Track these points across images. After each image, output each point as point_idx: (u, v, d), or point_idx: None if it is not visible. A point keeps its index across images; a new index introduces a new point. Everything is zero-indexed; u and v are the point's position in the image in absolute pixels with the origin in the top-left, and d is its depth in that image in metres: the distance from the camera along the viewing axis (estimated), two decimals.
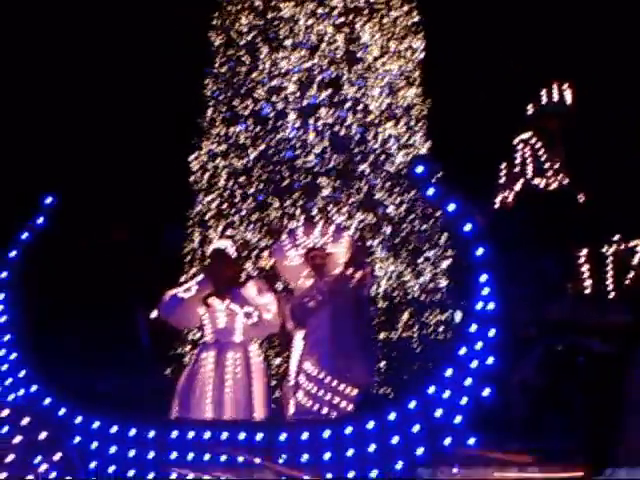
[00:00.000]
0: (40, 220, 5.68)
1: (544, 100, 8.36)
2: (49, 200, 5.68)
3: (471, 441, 4.77)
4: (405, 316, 9.89)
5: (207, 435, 5.10)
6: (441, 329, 9.94)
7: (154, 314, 6.62)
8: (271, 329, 6.53)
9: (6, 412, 5.17)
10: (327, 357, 6.15)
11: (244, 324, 6.35)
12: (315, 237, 6.48)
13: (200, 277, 6.62)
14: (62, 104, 12.49)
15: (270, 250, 6.66)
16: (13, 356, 5.55)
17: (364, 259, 6.35)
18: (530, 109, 8.47)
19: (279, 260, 6.70)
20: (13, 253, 5.69)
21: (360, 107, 10.23)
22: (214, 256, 6.62)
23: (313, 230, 6.53)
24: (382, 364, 9.12)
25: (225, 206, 10.08)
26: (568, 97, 8.31)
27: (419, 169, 5.02)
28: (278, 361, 9.41)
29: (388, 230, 10.11)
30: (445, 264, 10.37)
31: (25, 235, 5.68)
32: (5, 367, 5.53)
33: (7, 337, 5.58)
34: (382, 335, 9.61)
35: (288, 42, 10.29)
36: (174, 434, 5.15)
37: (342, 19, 10.33)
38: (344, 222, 9.68)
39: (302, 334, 6.36)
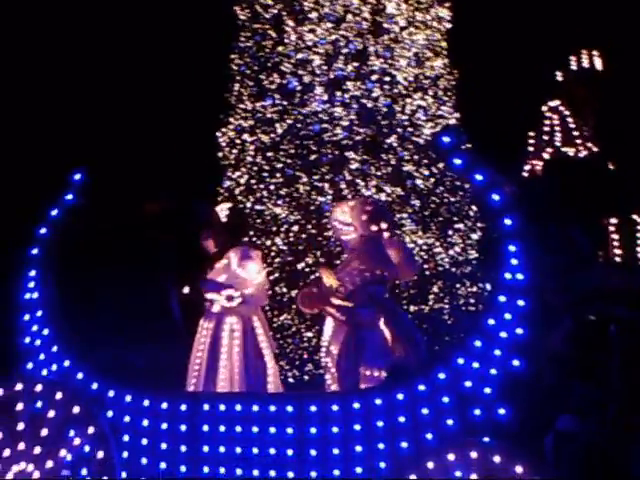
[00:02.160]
0: (70, 197, 5.73)
1: (573, 67, 8.23)
2: (78, 176, 5.73)
3: (501, 412, 4.76)
4: (436, 288, 9.87)
5: (238, 408, 5.15)
6: (472, 301, 9.92)
7: (187, 289, 6.63)
8: (259, 302, 6.45)
9: (40, 387, 5.24)
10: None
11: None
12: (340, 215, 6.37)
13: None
14: (93, 81, 12.55)
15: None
16: (45, 332, 5.63)
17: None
18: (559, 76, 8.32)
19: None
20: (43, 230, 5.75)
21: (387, 79, 10.16)
22: (213, 222, 6.56)
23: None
24: None
25: (254, 181, 10.08)
26: (598, 64, 8.17)
27: (446, 139, 4.99)
28: (309, 334, 9.44)
29: (417, 203, 10.06)
30: (475, 236, 10.32)
31: (55, 212, 5.73)
32: (38, 342, 5.61)
33: (39, 313, 5.66)
34: (413, 308, 9.60)
35: (313, 15, 10.21)
36: (205, 407, 5.21)
37: None
38: (373, 195, 9.65)
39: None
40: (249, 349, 6.28)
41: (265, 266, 6.72)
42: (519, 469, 4.48)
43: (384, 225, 6.05)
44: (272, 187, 9.97)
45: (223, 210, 6.69)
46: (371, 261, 5.99)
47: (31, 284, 5.71)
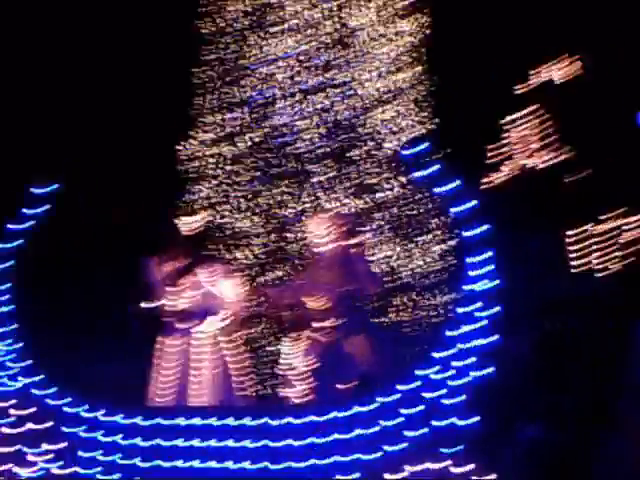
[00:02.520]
0: (41, 209, 5.64)
1: (540, 77, 8.32)
2: (50, 189, 5.64)
3: (464, 422, 4.77)
4: (398, 301, 9.87)
5: (214, 421, 5.09)
6: (434, 313, 9.93)
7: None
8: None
9: (11, 402, 5.17)
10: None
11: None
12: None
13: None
14: (58, 92, 12.42)
15: None
16: (18, 346, 5.53)
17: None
18: (522, 88, 8.42)
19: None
20: (16, 243, 5.65)
21: (351, 91, 10.17)
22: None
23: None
24: None
25: (216, 194, 10.03)
26: (560, 76, 8.28)
27: (411, 151, 5.00)
28: (273, 348, 9.38)
29: (381, 215, 10.07)
30: (439, 248, 10.34)
31: (27, 224, 5.64)
32: (10, 357, 5.51)
33: (13, 326, 5.57)
34: (375, 320, 9.57)
35: (277, 28, 10.20)
36: (180, 421, 5.14)
37: (332, 3, 10.23)
38: (336, 208, 9.64)
39: None
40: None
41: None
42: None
43: (357, 240, 6.11)
44: (234, 200, 9.92)
45: (186, 223, 6.67)
46: (346, 276, 6.04)
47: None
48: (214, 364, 6.24)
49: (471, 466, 4.55)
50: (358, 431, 4.81)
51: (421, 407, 4.76)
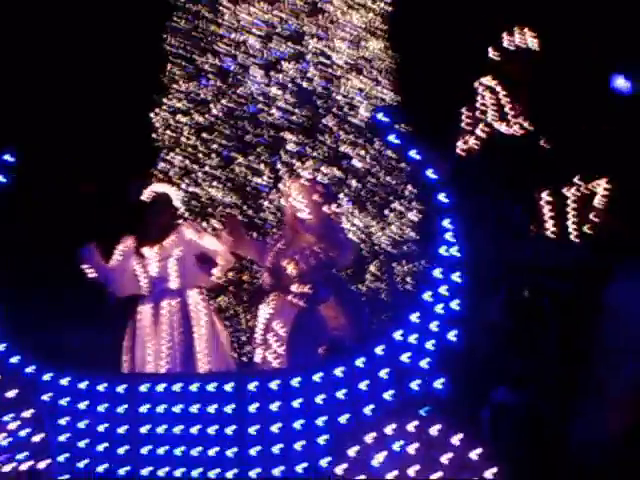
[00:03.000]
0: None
1: (506, 44, 8.32)
2: (7, 156, 5.59)
3: (438, 384, 4.84)
4: (373, 268, 9.94)
5: (177, 386, 5.13)
6: (409, 279, 10.02)
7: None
8: (225, 267, 6.46)
9: None
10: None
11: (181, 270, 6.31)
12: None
13: (122, 244, 6.53)
14: (24, 61, 12.26)
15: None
16: None
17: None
18: (492, 53, 8.42)
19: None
20: None
21: (324, 60, 10.14)
22: (152, 201, 6.49)
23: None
24: None
25: (188, 163, 9.99)
26: (530, 41, 8.28)
27: (381, 116, 5.02)
28: (248, 316, 9.43)
29: (354, 183, 10.10)
30: (411, 215, 10.40)
31: None
32: None
33: None
34: (351, 287, 9.64)
35: None
36: (144, 387, 5.17)
37: None
38: (309, 175, 9.64)
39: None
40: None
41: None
42: (456, 439, 4.57)
43: (334, 207, 6.13)
44: (208, 169, 9.90)
45: (172, 192, 6.67)
46: (327, 243, 6.06)
47: None
48: (188, 327, 6.24)
49: (445, 426, 4.61)
50: (332, 394, 4.88)
51: (395, 369, 4.83)
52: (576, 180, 7.14)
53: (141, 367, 6.17)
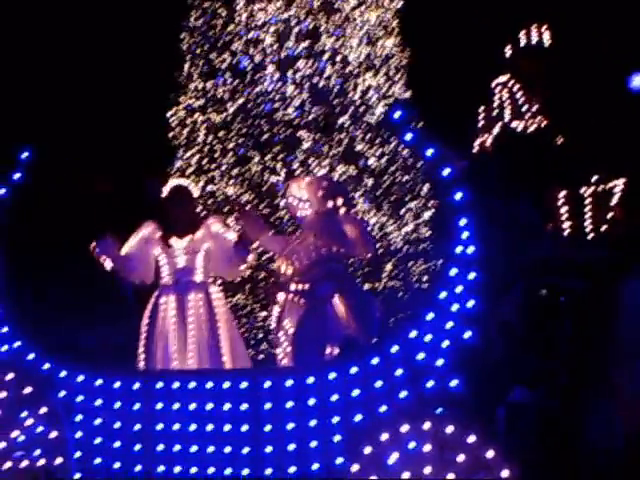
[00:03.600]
0: (17, 175, 5.62)
1: (522, 42, 8.29)
2: (25, 155, 5.62)
3: (454, 383, 4.82)
4: (389, 266, 9.94)
5: (192, 385, 5.14)
6: (425, 278, 10.01)
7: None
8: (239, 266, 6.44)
9: None
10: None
11: (207, 263, 6.32)
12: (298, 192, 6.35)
13: (145, 228, 6.49)
14: (42, 58, 12.31)
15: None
16: None
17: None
18: (508, 51, 8.38)
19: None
20: None
21: (339, 58, 10.14)
22: (175, 194, 6.47)
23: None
24: None
25: (205, 161, 10.02)
26: (546, 39, 8.24)
27: (397, 114, 5.00)
28: (264, 314, 9.45)
29: (370, 182, 10.09)
30: (427, 214, 10.40)
31: (2, 191, 5.63)
32: None
33: None
34: (367, 285, 9.65)
35: None
36: (159, 385, 5.19)
37: None
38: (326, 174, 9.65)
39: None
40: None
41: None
42: (472, 439, 4.55)
43: (340, 201, 6.04)
44: (224, 167, 9.92)
45: (190, 185, 6.68)
46: (327, 237, 5.98)
47: None
48: (213, 321, 6.22)
49: (460, 426, 4.58)
50: (347, 393, 4.87)
51: (410, 369, 4.82)
52: (593, 179, 7.09)
53: (163, 361, 6.15)
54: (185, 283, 6.29)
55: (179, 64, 10.50)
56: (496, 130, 7.90)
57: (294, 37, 10.04)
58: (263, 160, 9.83)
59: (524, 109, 7.97)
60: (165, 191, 6.54)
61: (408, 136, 4.94)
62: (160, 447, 5.11)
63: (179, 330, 6.21)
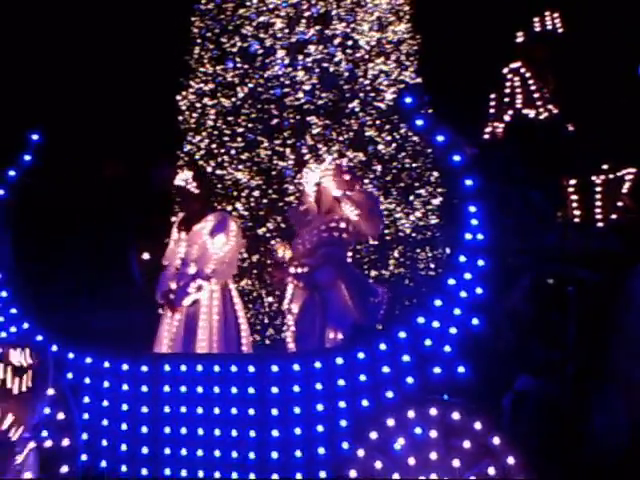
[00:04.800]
0: (27, 157, 5.64)
1: (535, 28, 8.22)
2: (36, 137, 5.63)
3: (460, 370, 4.82)
4: (396, 253, 9.93)
5: (199, 368, 5.15)
6: (432, 265, 10.00)
7: (147, 255, 6.63)
8: (227, 274, 6.53)
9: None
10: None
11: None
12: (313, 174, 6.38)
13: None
14: (54, 42, 12.31)
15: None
16: (4, 294, 5.57)
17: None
18: (520, 37, 8.32)
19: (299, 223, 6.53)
20: (0, 192, 5.67)
21: (349, 43, 10.10)
22: (177, 193, 6.67)
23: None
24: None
25: (214, 146, 10.01)
26: (559, 26, 8.18)
27: (407, 100, 4.98)
28: (270, 299, 9.47)
29: (379, 168, 10.07)
30: (436, 201, 10.38)
31: (12, 173, 5.65)
32: None
33: None
34: (374, 272, 9.65)
35: None
36: (166, 368, 5.21)
37: None
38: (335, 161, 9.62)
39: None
40: (228, 317, 6.36)
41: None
42: (478, 426, 4.56)
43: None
44: (233, 152, 9.91)
45: (187, 177, 6.69)
46: (367, 215, 6.08)
47: None
48: (216, 312, 6.29)
49: (466, 412, 4.59)
50: (354, 378, 4.88)
51: (417, 355, 4.82)
52: (604, 167, 7.05)
53: (175, 347, 6.24)
54: (182, 274, 6.42)
55: (189, 48, 10.48)
56: (507, 117, 7.85)
57: (305, 21, 10.00)
58: (272, 145, 9.81)
59: (536, 96, 7.91)
60: (174, 184, 6.66)
61: (419, 122, 4.92)
62: (167, 430, 5.14)
63: (184, 318, 6.32)
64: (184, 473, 5.08)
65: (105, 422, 5.25)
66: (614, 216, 6.94)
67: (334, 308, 5.90)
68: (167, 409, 5.15)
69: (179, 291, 6.37)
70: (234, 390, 5.06)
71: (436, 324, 4.87)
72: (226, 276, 6.50)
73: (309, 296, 5.97)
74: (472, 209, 4.85)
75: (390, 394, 4.85)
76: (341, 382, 4.93)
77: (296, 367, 5.01)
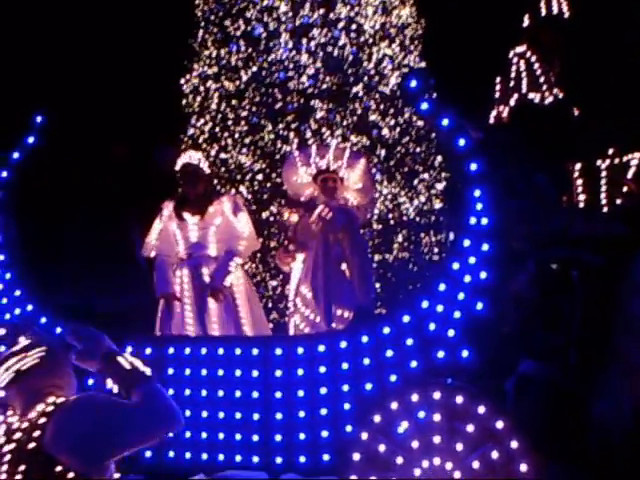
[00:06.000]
0: (31, 139, 5.63)
1: (542, 12, 8.19)
2: (40, 119, 5.62)
3: (464, 354, 4.82)
4: (400, 238, 9.92)
5: (204, 351, 5.16)
6: (436, 250, 10.00)
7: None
8: (248, 252, 6.54)
9: (2, 331, 5.19)
10: (321, 282, 6.15)
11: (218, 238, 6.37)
12: (329, 159, 6.39)
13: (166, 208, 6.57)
14: (59, 25, 12.26)
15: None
16: (8, 276, 5.58)
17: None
18: (527, 21, 8.29)
19: (287, 172, 6.59)
20: (4, 173, 5.67)
21: (354, 27, 10.06)
22: (185, 173, 6.53)
23: (326, 152, 6.42)
24: (377, 285, 9.14)
25: (218, 129, 9.99)
26: (565, 9, 8.14)
27: (412, 83, 4.95)
28: (274, 283, 9.47)
29: (382, 152, 10.05)
30: (440, 186, 10.36)
31: (16, 155, 5.64)
32: (0, 286, 5.57)
33: (1, 257, 5.61)
34: (377, 257, 9.65)
35: None
36: (170, 351, 5.21)
37: None
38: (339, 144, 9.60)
39: (302, 257, 6.35)
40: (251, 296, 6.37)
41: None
42: (481, 409, 4.55)
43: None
44: (237, 135, 9.89)
45: (199, 157, 6.68)
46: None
47: None
48: (223, 295, 6.27)
49: (470, 396, 4.58)
50: (358, 361, 4.88)
51: (421, 339, 4.81)
52: (609, 151, 7.04)
53: (179, 328, 6.22)
54: (198, 257, 6.35)
55: (193, 31, 10.44)
56: (513, 101, 7.82)
57: (309, 5, 9.95)
58: (276, 129, 9.79)
59: (541, 80, 7.88)
60: (177, 164, 6.59)
61: (424, 105, 4.90)
62: None
63: (196, 301, 6.27)
64: (188, 455, 5.10)
65: None
66: (619, 201, 6.93)
67: (347, 285, 5.98)
68: (171, 391, 5.16)
69: (216, 273, 6.27)
70: (238, 373, 5.06)
71: (440, 308, 4.87)
72: (249, 253, 6.54)
73: (324, 278, 6.06)
74: (477, 193, 4.83)
75: (394, 378, 4.85)
76: (345, 365, 4.94)
77: (300, 350, 5.01)
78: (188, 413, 5.11)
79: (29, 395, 3.07)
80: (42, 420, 2.93)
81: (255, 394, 5.02)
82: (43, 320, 5.43)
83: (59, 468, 2.81)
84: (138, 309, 6.34)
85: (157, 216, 6.58)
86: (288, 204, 6.44)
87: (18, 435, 2.93)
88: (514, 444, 4.48)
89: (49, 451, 2.84)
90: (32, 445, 2.85)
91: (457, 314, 4.85)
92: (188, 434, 5.09)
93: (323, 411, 4.91)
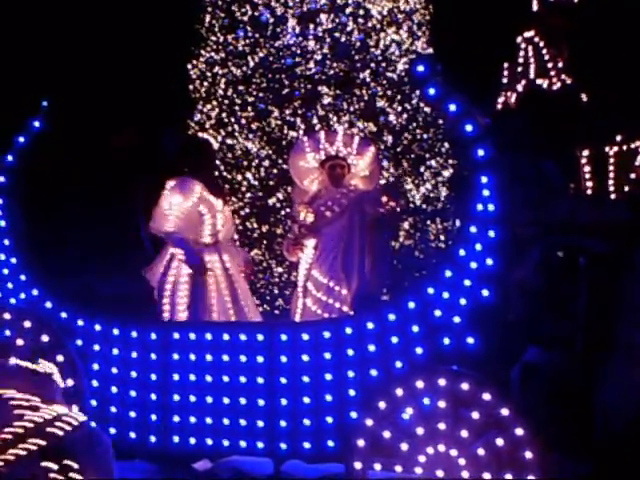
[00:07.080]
0: (36, 124, 5.63)
1: None
2: (45, 103, 5.61)
3: (470, 341, 4.81)
4: (406, 225, 9.90)
5: (209, 336, 5.15)
6: (442, 237, 9.97)
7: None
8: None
9: (8, 316, 5.20)
10: (336, 269, 6.15)
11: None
12: (338, 146, 6.35)
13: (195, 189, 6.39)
14: (66, 11, 12.24)
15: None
16: (13, 260, 5.58)
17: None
18: (535, 6, 8.23)
19: (295, 157, 6.52)
20: (9, 158, 5.66)
21: (361, 12, 10.00)
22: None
23: (335, 138, 6.37)
24: None
25: (224, 115, 9.96)
26: None
27: (420, 68, 4.92)
28: (280, 270, 9.46)
29: (389, 139, 10.01)
30: (446, 173, 10.32)
31: (21, 139, 5.64)
32: (6, 271, 5.57)
33: (7, 242, 5.61)
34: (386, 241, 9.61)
35: None
36: (176, 335, 5.21)
37: None
38: (346, 130, 9.57)
39: (313, 242, 6.32)
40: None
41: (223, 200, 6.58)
42: (487, 396, 4.54)
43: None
44: (243, 121, 9.86)
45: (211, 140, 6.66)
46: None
47: None
48: (224, 280, 6.23)
49: (475, 383, 4.57)
50: (364, 347, 4.87)
51: (427, 325, 4.80)
52: (617, 138, 6.99)
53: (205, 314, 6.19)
54: (217, 243, 6.30)
55: (200, 16, 10.39)
56: (521, 87, 7.77)
57: None
58: (283, 115, 9.75)
59: (549, 66, 7.83)
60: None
61: (431, 90, 4.86)
62: (176, 397, 5.15)
63: (227, 287, 6.27)
64: (192, 441, 5.11)
65: (114, 389, 5.27)
66: (627, 188, 6.89)
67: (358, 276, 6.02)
68: (176, 377, 5.16)
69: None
70: (243, 358, 5.06)
71: (446, 295, 4.85)
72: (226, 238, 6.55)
73: (331, 265, 6.08)
74: (484, 180, 4.80)
75: (399, 364, 4.84)
76: (350, 352, 4.93)
77: (305, 336, 5.00)
78: (193, 399, 5.11)
79: None
80: None
81: (260, 380, 5.02)
82: (48, 304, 5.44)
83: None
84: (144, 293, 6.29)
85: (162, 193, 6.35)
86: (304, 203, 6.37)
87: None
88: (519, 431, 4.47)
89: None
90: None
91: (463, 301, 4.83)
92: (193, 420, 5.10)
93: (328, 397, 4.91)
